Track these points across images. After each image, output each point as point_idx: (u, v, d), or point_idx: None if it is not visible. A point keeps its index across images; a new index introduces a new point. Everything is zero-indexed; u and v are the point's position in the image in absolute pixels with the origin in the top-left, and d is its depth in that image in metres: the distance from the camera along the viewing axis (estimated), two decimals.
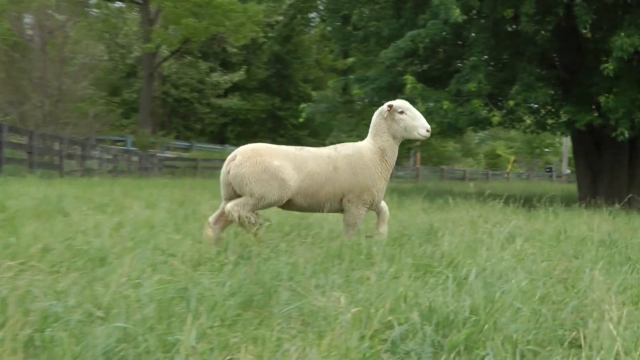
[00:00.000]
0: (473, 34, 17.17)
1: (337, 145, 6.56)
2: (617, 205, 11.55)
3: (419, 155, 50.94)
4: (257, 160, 5.93)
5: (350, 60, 28.00)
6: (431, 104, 16.19)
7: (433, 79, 18.67)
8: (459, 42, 18.30)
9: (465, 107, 15.68)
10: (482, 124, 17.31)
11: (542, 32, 15.76)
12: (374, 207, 6.48)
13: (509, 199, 10.52)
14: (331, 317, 3.37)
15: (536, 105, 17.77)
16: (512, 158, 66.38)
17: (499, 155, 68.71)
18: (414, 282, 4.26)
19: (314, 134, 50.32)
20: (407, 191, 18.65)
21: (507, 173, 56.93)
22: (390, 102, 6.50)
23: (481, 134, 57.96)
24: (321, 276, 4.31)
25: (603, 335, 3.32)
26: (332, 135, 34.66)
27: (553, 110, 18.79)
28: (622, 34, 13.49)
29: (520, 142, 64.83)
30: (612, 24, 15.42)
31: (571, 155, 33.42)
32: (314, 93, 36.57)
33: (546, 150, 68.27)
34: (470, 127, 18.26)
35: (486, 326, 3.31)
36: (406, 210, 10.31)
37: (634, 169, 17.19)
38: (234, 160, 5.99)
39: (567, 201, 13.75)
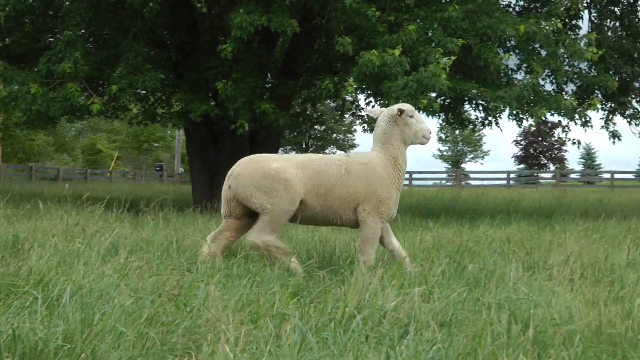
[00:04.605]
0: (67, 3, 16.84)
1: (349, 152, 7.56)
2: None
3: None
4: (255, 168, 6.84)
5: None
6: (15, 87, 15.63)
7: (18, 57, 18.07)
8: (50, 12, 17.87)
9: (58, 92, 15.35)
10: (79, 112, 17.11)
11: (151, 4, 15.86)
12: (388, 220, 7.28)
13: (111, 203, 10.59)
14: None
15: (144, 92, 17.87)
16: (116, 154, 66.74)
17: (100, 151, 68.57)
18: None
19: None
20: None
21: (110, 172, 57.09)
22: (399, 106, 7.35)
23: (78, 124, 57.40)
24: None
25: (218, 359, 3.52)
26: None
27: (164, 98, 19.16)
28: (242, 10, 14.15)
29: (126, 136, 65.48)
30: None
31: (185, 151, 34.55)
32: None
33: (156, 145, 69.86)
34: (65, 117, 17.99)
35: (83, 355, 3.32)
36: None
37: None
38: (232, 174, 6.91)
39: (181, 205, 14.24)
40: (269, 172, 6.82)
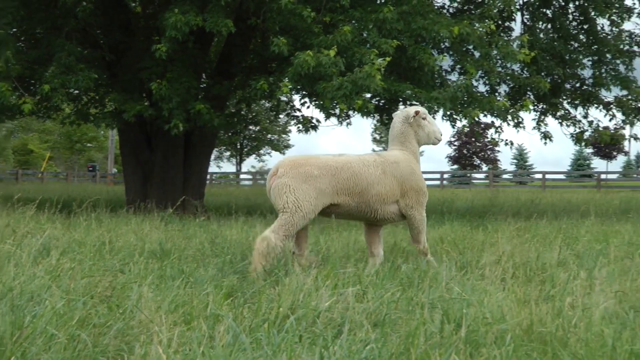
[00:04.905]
0: None
1: (380, 152, 7.96)
2: (170, 210, 12.19)
3: None
4: (298, 172, 7.14)
5: None
6: None
7: None
8: None
9: None
10: (10, 112, 16.85)
11: (84, 3, 15.70)
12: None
13: (43, 204, 10.46)
14: None
15: (77, 92, 17.71)
16: (48, 155, 65.82)
17: (32, 151, 67.60)
18: None
19: None
20: None
21: (42, 172, 56.31)
22: (415, 108, 7.88)
23: (9, 124, 56.43)
24: None
25: None
26: None
27: (97, 97, 18.99)
28: (176, 10, 14.08)
29: (58, 136, 64.61)
30: None
31: (118, 151, 34.24)
32: None
33: (89, 145, 69.05)
34: None
35: (13, 358, 3.29)
36: None
37: (189, 168, 18.13)
38: (275, 174, 7.21)
39: (114, 206, 14.11)
40: (310, 176, 7.18)
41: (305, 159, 7.38)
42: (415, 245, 7.77)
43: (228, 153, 70.69)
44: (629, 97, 19.11)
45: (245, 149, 67.98)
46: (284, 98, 19.17)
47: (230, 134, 53.61)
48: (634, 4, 18.79)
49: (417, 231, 7.74)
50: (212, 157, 29.81)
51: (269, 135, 67.75)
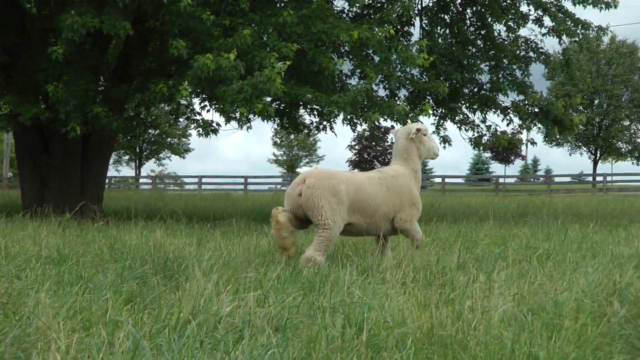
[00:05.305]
0: None
1: (380, 168, 8.55)
2: (67, 215, 12.00)
3: None
4: (329, 184, 7.60)
5: None
6: None
7: None
8: None
9: None
10: None
11: None
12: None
13: None
14: None
15: None
16: None
17: None
18: None
19: None
20: None
21: None
22: (417, 126, 8.54)
23: None
24: None
25: None
26: None
27: None
28: (73, 12, 13.87)
29: None
30: (61, 0, 15.83)
31: (14, 155, 33.46)
32: None
33: None
34: None
35: None
36: None
37: (87, 172, 17.84)
38: (303, 183, 7.65)
39: (9, 211, 13.83)
40: (338, 191, 7.66)
41: (331, 173, 7.89)
42: (415, 248, 8.28)
43: (127, 157, 69.72)
44: (526, 102, 19.61)
45: (145, 153, 67.20)
46: (183, 101, 19.01)
47: (129, 137, 52.94)
48: (530, 10, 19.28)
49: (414, 239, 8.35)
50: (111, 160, 29.36)
51: (169, 139, 67.16)
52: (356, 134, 22.36)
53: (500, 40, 19.97)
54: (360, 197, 7.83)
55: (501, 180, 52.82)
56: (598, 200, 26.99)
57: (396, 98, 18.63)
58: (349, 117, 16.84)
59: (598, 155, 64.73)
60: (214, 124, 17.29)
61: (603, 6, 18.15)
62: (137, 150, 65.98)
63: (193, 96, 17.40)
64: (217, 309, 4.88)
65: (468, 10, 20.28)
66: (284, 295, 5.48)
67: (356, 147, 79.39)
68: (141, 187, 56.20)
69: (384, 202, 8.00)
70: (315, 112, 18.95)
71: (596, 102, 62.85)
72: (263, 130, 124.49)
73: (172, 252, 7.90)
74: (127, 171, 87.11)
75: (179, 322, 4.59)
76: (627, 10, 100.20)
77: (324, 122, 19.58)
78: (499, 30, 20.04)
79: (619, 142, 63.66)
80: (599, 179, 50.67)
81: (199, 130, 17.46)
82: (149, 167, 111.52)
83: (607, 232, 11.80)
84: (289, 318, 4.88)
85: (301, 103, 17.19)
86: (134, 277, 6.47)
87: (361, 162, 79.31)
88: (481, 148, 21.09)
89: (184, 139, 68.24)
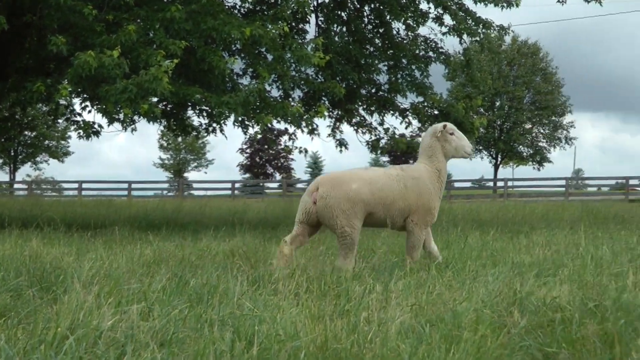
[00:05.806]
0: None
1: (402, 165, 8.86)
2: None
3: None
4: (340, 191, 8.11)
5: None
6: None
7: None
8: None
9: None
10: None
11: None
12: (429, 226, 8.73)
13: None
14: None
15: None
16: None
17: None
18: None
19: None
20: None
21: None
22: (443, 123, 8.77)
23: None
24: None
25: None
26: None
27: None
28: None
29: None
30: None
31: None
32: None
33: None
34: None
35: None
36: None
37: None
38: (316, 191, 8.18)
39: None
40: (351, 195, 8.14)
41: (344, 177, 8.32)
42: (407, 257, 8.55)
43: (0, 161, 68.05)
44: (425, 103, 19.90)
45: (20, 156, 65.69)
46: (63, 101, 18.71)
47: (3, 139, 51.68)
48: (430, 8, 19.53)
49: (412, 246, 8.63)
50: None
51: (47, 142, 65.84)
52: (248, 136, 22.40)
53: (399, 39, 20.24)
54: (374, 191, 8.24)
55: None
56: (499, 206, 27.52)
57: (290, 99, 18.72)
58: (240, 118, 16.84)
59: (499, 159, 66.18)
60: (96, 126, 17.09)
61: (505, 5, 18.58)
62: (12, 154, 64.44)
63: (73, 96, 17.14)
64: (97, 323, 4.82)
65: (366, 8, 20.48)
66: (170, 308, 5.45)
67: (248, 150, 79.14)
68: (16, 192, 54.84)
69: (401, 197, 8.38)
70: (205, 114, 18.89)
71: (497, 104, 64.23)
72: (149, 133, 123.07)
73: (49, 263, 7.75)
74: (0, 176, 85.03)
75: (56, 338, 4.53)
76: (528, 9, 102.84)
77: (214, 124, 19.50)
78: (398, 28, 20.31)
79: (521, 146, 65.21)
80: (499, 184, 51.79)
81: (79, 133, 17.23)
82: (25, 171, 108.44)
83: (507, 239, 12.01)
84: (174, 332, 4.85)
85: (190, 104, 17.13)
86: (7, 290, 6.33)
87: (253, 167, 79.13)
88: (379, 152, 21.31)
89: (63, 142, 66.97)
